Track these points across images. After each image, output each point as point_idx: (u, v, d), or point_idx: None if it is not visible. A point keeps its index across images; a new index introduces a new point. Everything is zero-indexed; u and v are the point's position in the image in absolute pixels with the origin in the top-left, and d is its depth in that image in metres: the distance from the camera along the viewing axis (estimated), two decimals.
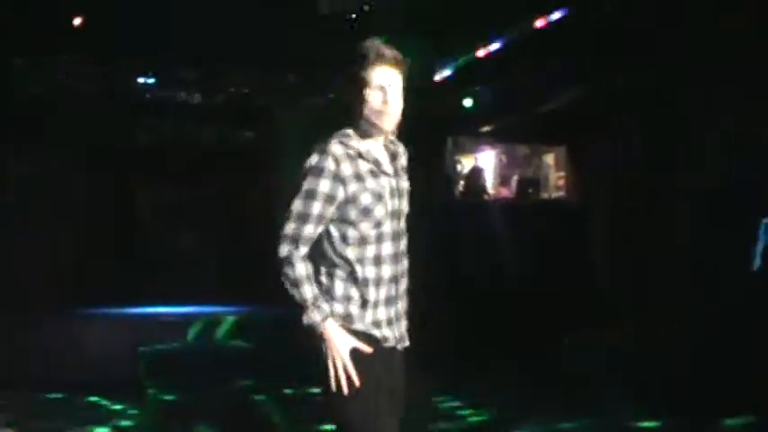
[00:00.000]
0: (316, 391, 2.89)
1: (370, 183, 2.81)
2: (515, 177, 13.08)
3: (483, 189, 12.48)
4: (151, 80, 9.81)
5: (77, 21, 8.10)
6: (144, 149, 10.63)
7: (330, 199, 2.76)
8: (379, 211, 2.82)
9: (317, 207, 2.76)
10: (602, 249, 10.02)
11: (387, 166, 2.89)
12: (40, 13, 7.69)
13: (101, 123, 10.11)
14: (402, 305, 2.93)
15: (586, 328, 7.92)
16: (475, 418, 6.47)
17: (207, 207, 10.67)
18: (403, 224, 2.93)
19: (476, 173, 12.59)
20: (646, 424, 5.71)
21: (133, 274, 9.87)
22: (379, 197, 2.82)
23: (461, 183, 12.60)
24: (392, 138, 2.95)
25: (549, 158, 13.12)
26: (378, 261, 2.84)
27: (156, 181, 10.55)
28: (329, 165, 2.75)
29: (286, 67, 9.34)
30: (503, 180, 13.36)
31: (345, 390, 2.74)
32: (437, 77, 9.59)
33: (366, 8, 6.74)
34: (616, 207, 9.73)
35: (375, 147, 2.88)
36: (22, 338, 8.07)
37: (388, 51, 2.82)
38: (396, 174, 2.91)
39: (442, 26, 7.95)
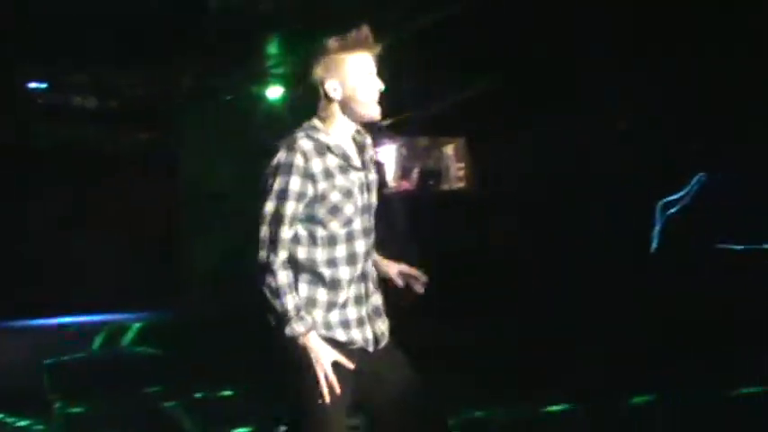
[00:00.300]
0: (227, 393, 2.87)
1: (339, 179, 2.67)
2: (416, 169, 13.17)
3: (384, 182, 12.54)
4: (43, 85, 9.53)
5: None
6: (39, 154, 10.32)
7: (301, 197, 2.61)
8: (348, 209, 2.69)
9: (290, 207, 2.61)
10: (503, 240, 10.16)
11: (356, 159, 2.75)
12: None
13: None
14: (374, 302, 2.81)
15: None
16: None
17: (106, 213, 10.43)
18: (372, 219, 2.81)
19: (376, 166, 12.63)
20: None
21: (32, 285, 9.60)
22: (348, 194, 2.69)
23: None
24: (358, 128, 2.80)
25: (450, 150, 13.25)
26: (349, 260, 2.70)
27: (52, 187, 10.24)
28: (298, 161, 2.60)
29: (182, 69, 9.21)
30: (404, 172, 13.43)
31: (320, 400, 2.59)
32: None
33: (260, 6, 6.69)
34: (516, 198, 9.89)
35: (343, 139, 2.74)
36: None
37: (370, 36, 2.68)
38: (364, 167, 2.76)
39: (339, 21, 7.94)
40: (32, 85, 9.33)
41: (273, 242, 2.62)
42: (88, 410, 6.67)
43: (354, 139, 2.79)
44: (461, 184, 12.57)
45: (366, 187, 2.77)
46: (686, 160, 6.92)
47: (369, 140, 2.84)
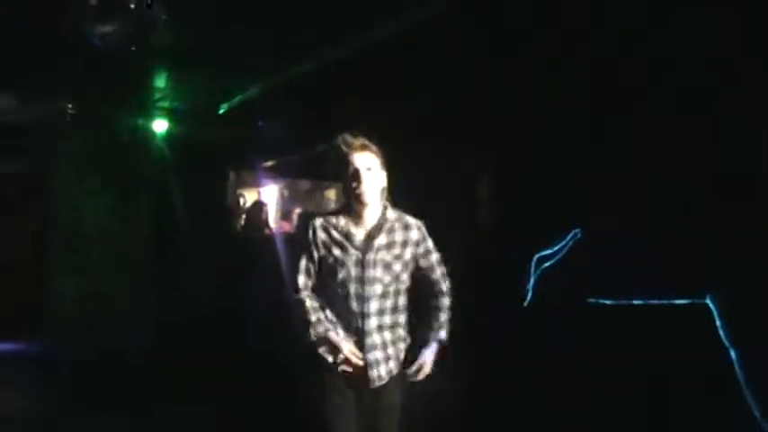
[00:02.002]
0: None
1: (336, 251, 3.63)
2: (297, 211, 13.14)
3: (265, 223, 12.45)
4: None
5: None
6: None
7: (310, 256, 3.69)
8: (341, 275, 3.61)
9: (303, 262, 3.71)
10: None
11: (357, 240, 3.64)
12: None
13: None
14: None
15: None
16: None
17: None
18: (373, 289, 3.62)
19: (257, 206, 12.54)
20: None
21: None
22: (342, 264, 3.61)
23: (243, 216, 12.52)
24: (395, 214, 3.73)
25: (331, 194, 13.29)
26: (338, 316, 3.67)
27: None
28: (309, 233, 3.68)
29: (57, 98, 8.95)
30: (284, 214, 13.38)
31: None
32: (221, 110, 9.50)
33: (142, 42, 6.57)
34: None
35: (354, 222, 3.66)
36: None
37: (355, 140, 3.60)
38: (368, 248, 3.62)
39: (227, 59, 7.87)
40: None
41: (295, 283, 3.74)
42: None
43: (378, 224, 3.69)
44: None
45: (363, 264, 3.62)
46: (561, 215, 7.07)
47: (401, 224, 3.73)
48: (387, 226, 3.65)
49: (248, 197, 12.89)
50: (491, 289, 7.46)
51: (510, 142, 7.80)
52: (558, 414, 5.96)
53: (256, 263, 9.47)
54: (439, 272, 3.86)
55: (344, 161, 3.57)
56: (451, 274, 3.94)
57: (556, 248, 7.22)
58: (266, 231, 12.31)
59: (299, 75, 8.01)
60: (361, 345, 3.60)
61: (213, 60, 7.80)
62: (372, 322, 3.60)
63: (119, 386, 7.73)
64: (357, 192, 3.56)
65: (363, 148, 3.58)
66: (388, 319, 3.66)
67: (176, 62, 7.89)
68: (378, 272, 3.60)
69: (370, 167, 3.57)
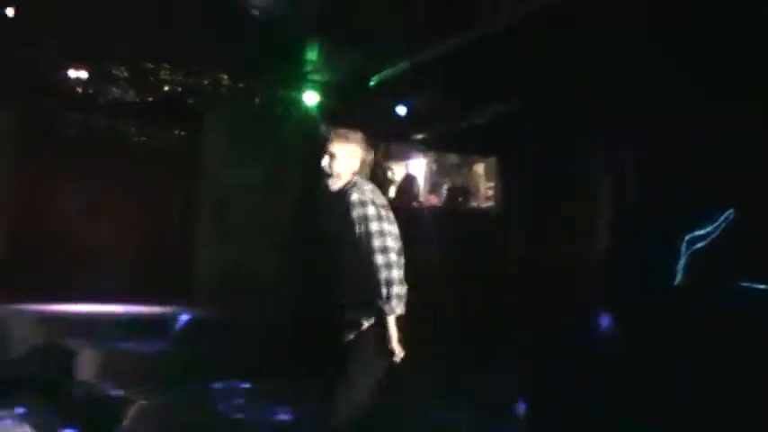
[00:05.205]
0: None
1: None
2: (445, 186, 13.15)
3: (415, 196, 12.51)
4: (82, 74, 9.52)
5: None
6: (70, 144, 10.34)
7: None
8: None
9: None
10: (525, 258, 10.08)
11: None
12: None
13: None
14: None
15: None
16: None
17: (127, 206, 10.43)
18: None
19: (408, 180, 12.60)
20: None
21: (52, 272, 9.64)
22: None
23: (394, 189, 12.60)
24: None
25: (480, 168, 13.21)
26: None
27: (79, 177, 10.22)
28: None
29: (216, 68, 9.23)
30: (432, 188, 13.42)
31: None
32: (370, 84, 9.59)
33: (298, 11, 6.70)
34: (543, 217, 9.80)
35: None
36: None
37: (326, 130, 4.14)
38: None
39: (376, 32, 7.94)
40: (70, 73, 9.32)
41: None
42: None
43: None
44: (491, 203, 12.51)
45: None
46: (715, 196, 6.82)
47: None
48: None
49: (397, 171, 12.96)
50: (640, 270, 7.31)
51: (666, 123, 7.56)
52: (706, 398, 5.79)
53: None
54: None
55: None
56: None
57: (708, 229, 6.99)
58: (415, 205, 12.37)
59: (448, 48, 8.01)
60: None
61: (364, 32, 7.86)
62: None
63: (269, 352, 7.95)
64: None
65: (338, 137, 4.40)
66: None
67: (328, 34, 7.99)
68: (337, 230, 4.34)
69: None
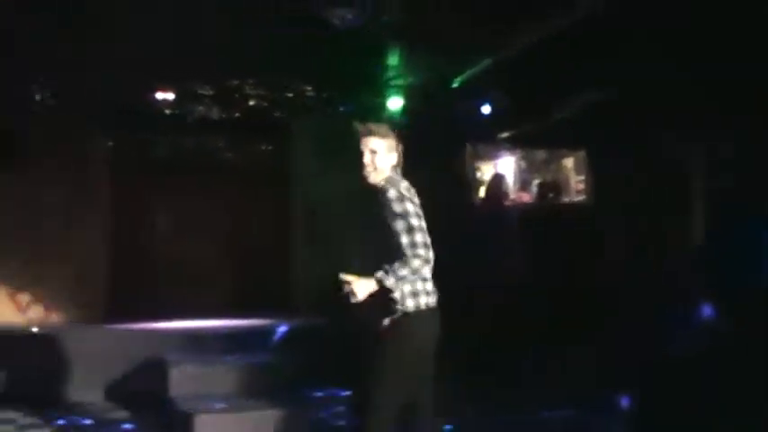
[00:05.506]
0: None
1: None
2: (535, 182, 13.02)
3: (505, 194, 12.41)
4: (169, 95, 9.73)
5: None
6: (162, 162, 10.59)
7: None
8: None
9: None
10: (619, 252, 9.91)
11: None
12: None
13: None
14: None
15: None
16: None
17: (223, 221, 10.63)
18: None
19: (497, 179, 12.51)
20: None
21: (153, 289, 9.88)
22: None
23: (482, 189, 12.54)
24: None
25: (569, 162, 13.04)
26: None
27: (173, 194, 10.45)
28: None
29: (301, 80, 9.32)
30: (522, 185, 13.30)
31: None
32: (455, 84, 9.58)
33: (379, 19, 6.73)
34: (633, 210, 9.62)
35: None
36: None
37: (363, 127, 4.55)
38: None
39: (458, 33, 7.91)
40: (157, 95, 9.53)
41: None
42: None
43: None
44: (581, 197, 12.34)
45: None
46: None
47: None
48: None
49: (485, 170, 12.89)
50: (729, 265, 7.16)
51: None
52: None
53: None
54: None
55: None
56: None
57: None
58: (506, 203, 12.28)
59: (529, 45, 7.95)
60: None
61: (445, 34, 7.84)
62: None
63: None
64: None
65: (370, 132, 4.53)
66: None
67: (409, 39, 8.00)
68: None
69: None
